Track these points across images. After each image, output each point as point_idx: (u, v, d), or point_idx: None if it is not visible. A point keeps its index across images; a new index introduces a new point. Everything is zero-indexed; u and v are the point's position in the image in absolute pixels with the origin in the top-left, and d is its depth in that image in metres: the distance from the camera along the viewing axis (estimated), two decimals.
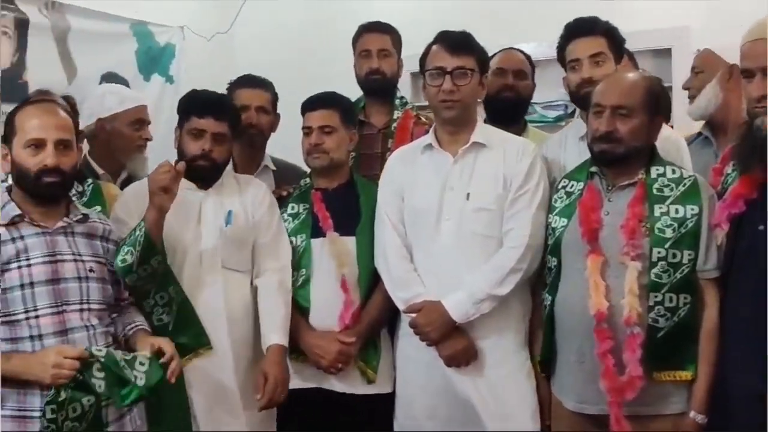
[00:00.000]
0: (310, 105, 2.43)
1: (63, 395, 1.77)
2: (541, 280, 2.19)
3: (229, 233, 2.29)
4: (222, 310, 2.23)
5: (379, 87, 2.79)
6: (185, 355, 2.12)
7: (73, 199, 2.07)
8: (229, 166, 2.43)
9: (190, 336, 2.18)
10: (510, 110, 2.65)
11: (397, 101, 2.84)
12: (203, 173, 2.28)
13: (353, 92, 2.84)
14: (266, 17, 4.42)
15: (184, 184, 2.22)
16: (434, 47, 2.25)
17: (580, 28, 2.31)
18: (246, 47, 4.43)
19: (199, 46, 4.17)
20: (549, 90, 3.50)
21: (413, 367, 2.28)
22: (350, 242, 2.36)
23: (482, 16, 3.83)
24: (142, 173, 2.60)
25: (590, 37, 2.28)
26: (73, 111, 2.50)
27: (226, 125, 2.30)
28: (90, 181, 2.38)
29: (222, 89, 2.81)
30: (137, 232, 2.04)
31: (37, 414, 1.80)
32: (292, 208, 2.43)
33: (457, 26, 2.30)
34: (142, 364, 1.88)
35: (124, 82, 3.73)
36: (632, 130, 1.99)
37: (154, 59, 3.99)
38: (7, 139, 1.92)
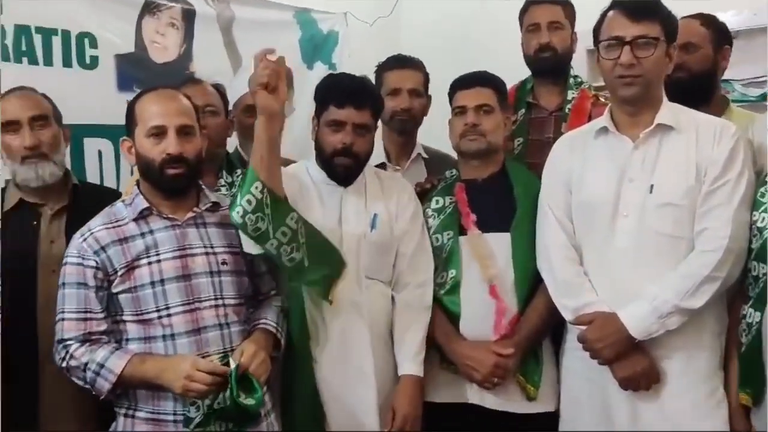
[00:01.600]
0: (463, 83, 2.21)
1: (197, 412, 1.72)
2: (741, 291, 1.83)
3: (374, 239, 2.09)
4: (364, 323, 2.04)
5: (549, 65, 2.53)
6: (329, 287, 1.96)
7: (203, 187, 1.97)
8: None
9: (331, 265, 1.97)
10: (698, 85, 2.20)
11: (571, 80, 2.55)
12: (344, 170, 2.08)
13: (525, 74, 2.62)
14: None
15: (321, 177, 2.08)
16: (611, 13, 1.93)
17: None
18: (410, 31, 4.29)
19: (361, 32, 4.08)
20: (750, 65, 2.99)
21: (581, 387, 2.00)
22: (500, 239, 2.10)
23: None
24: None
25: None
26: (222, 99, 2.48)
27: (369, 114, 2.07)
28: (239, 171, 2.32)
29: None
30: (258, 194, 1.82)
31: (170, 418, 1.76)
32: (437, 202, 2.21)
33: None
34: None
35: (287, 71, 3.72)
36: None
37: (318, 47, 3.94)
38: (130, 130, 1.86)
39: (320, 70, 3.91)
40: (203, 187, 1.97)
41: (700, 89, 2.20)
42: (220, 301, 1.83)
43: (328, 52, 4.01)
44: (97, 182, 2.77)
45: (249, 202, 1.83)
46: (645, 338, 1.84)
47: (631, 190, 1.89)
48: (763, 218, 1.76)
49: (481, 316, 2.08)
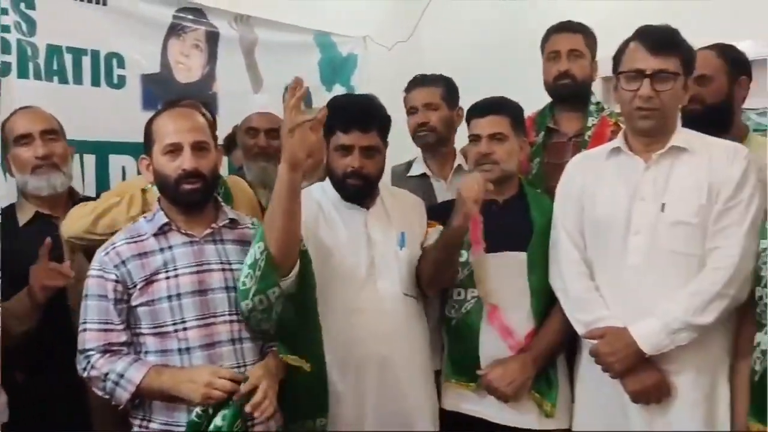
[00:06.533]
0: (477, 111, 2.23)
1: (203, 417, 1.74)
2: (751, 317, 1.82)
3: (405, 257, 2.12)
4: (406, 338, 2.09)
5: (568, 92, 2.56)
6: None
7: (222, 203, 2.02)
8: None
9: (294, 346, 1.91)
10: (712, 116, 2.20)
11: (592, 107, 2.58)
12: (356, 190, 2.10)
13: (545, 99, 2.65)
14: (449, 24, 4.31)
15: (338, 199, 2.12)
16: (632, 44, 1.95)
17: None
18: (430, 55, 4.33)
19: (381, 56, 4.16)
20: (764, 94, 2.97)
21: (597, 402, 2.01)
22: (517, 259, 2.13)
23: (690, 10, 3.41)
24: (264, 182, 2.59)
25: None
26: (211, 128, 2.51)
27: (376, 136, 2.08)
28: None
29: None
30: (258, 254, 1.80)
31: (183, 429, 1.77)
32: None
33: (659, 22, 1.98)
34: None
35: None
36: None
37: (337, 69, 4.01)
38: (148, 148, 1.91)
39: (339, 93, 3.98)
40: (222, 203, 2.01)
41: (716, 119, 2.19)
42: (234, 317, 1.86)
43: (347, 74, 4.08)
44: None
45: (251, 255, 1.82)
46: (655, 353, 1.85)
47: (643, 209, 1.91)
48: None
49: (491, 335, 2.11)
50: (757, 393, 1.77)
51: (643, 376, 1.87)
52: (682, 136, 1.94)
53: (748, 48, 2.56)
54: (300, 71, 3.90)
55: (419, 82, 2.66)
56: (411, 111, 2.64)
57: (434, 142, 2.62)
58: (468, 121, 2.27)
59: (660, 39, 1.91)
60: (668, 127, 1.94)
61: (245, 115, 2.95)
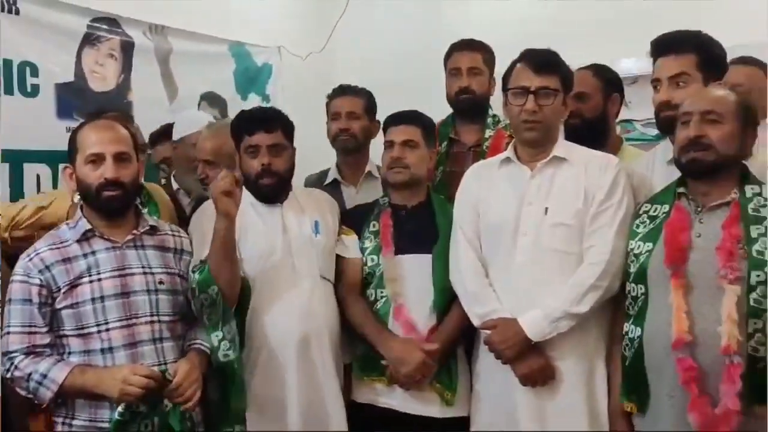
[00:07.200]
0: (393, 120, 2.43)
1: (125, 415, 1.83)
2: (621, 309, 2.06)
3: (321, 242, 2.30)
4: (323, 317, 2.25)
5: (468, 106, 2.76)
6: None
7: (143, 210, 2.12)
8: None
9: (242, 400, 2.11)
10: (590, 130, 2.48)
11: (490, 119, 2.79)
12: (269, 189, 2.27)
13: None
14: (363, 35, 4.46)
15: (259, 205, 2.27)
16: (518, 65, 2.18)
17: (664, 45, 2.18)
18: (343, 66, 4.46)
19: (295, 66, 4.26)
20: (649, 107, 3.29)
21: (491, 388, 2.21)
22: (423, 261, 2.31)
23: (580, 28, 3.72)
24: (190, 190, 2.70)
25: (674, 55, 2.15)
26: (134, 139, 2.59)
27: (280, 134, 2.26)
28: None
29: (318, 106, 2.92)
30: (216, 298, 2.03)
31: (107, 425, 1.86)
32: (373, 225, 2.40)
33: (551, 41, 2.22)
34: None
35: (223, 102, 3.88)
36: (723, 137, 1.87)
37: (252, 79, 4.11)
38: (71, 158, 1.99)
39: (254, 101, 4.08)
40: (143, 211, 2.11)
41: (594, 133, 2.47)
42: (155, 318, 1.96)
43: (262, 84, 4.19)
44: None
45: (206, 299, 2.02)
46: (540, 340, 2.06)
47: (530, 213, 2.12)
48: (639, 245, 1.98)
49: (399, 332, 2.27)
50: (628, 376, 2.00)
51: (531, 361, 2.07)
52: (562, 147, 2.17)
53: (633, 65, 2.84)
54: (215, 81, 4.06)
55: (344, 91, 2.82)
56: (334, 117, 2.79)
57: (352, 148, 2.78)
58: (384, 130, 2.45)
59: (542, 60, 2.14)
60: (551, 138, 2.17)
61: (159, 124, 3.04)
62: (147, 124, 3.05)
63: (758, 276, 1.80)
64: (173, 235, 2.11)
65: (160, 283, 1.99)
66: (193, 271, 2.04)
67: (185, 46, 3.65)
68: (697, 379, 1.81)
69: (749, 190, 1.89)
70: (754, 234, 1.83)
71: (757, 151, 2.00)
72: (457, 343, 2.31)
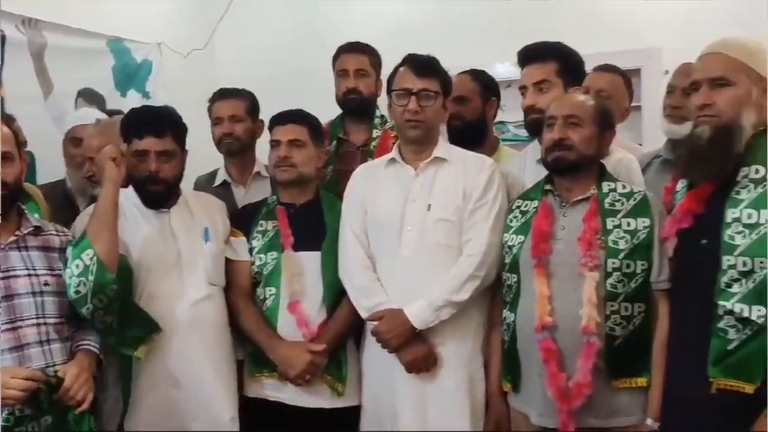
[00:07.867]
0: (279, 120, 2.47)
1: (10, 420, 1.79)
2: (499, 296, 2.24)
3: (209, 250, 2.30)
4: (213, 324, 2.27)
5: (356, 106, 2.85)
6: (138, 344, 2.13)
7: (26, 211, 2.07)
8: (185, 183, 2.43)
9: (140, 326, 2.14)
10: (470, 131, 2.65)
11: (377, 120, 2.89)
12: (155, 196, 2.26)
13: (337, 109, 2.91)
14: (246, 33, 4.48)
15: (146, 209, 2.26)
16: (401, 69, 2.31)
17: (529, 55, 2.39)
18: (226, 63, 4.48)
19: (176, 63, 4.22)
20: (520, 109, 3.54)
21: (377, 376, 2.32)
22: (313, 258, 2.38)
23: (458, 33, 3.93)
24: (83, 191, 2.64)
25: (538, 63, 2.36)
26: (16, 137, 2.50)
27: (171, 140, 2.23)
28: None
29: (200, 104, 2.93)
30: (87, 260, 1.97)
31: None
32: (261, 225, 2.45)
33: (431, 46, 2.37)
34: None
35: (101, 98, 3.77)
36: (583, 139, 2.08)
37: (131, 75, 4.02)
38: None
39: (134, 98, 3.99)
40: (26, 211, 2.05)
41: (474, 134, 2.65)
42: (41, 320, 1.94)
43: (142, 80, 4.10)
44: None
45: (77, 266, 1.97)
46: (423, 327, 2.19)
47: (414, 209, 2.26)
48: (512, 238, 2.16)
49: (289, 327, 2.34)
50: (505, 358, 2.19)
51: (415, 348, 2.20)
52: (443, 148, 2.33)
53: (508, 69, 3.02)
54: (93, 77, 3.93)
55: (224, 94, 2.85)
56: (216, 121, 2.81)
57: (237, 151, 2.81)
58: (270, 129, 2.50)
59: (423, 64, 2.29)
60: (432, 139, 2.32)
61: (34, 121, 2.93)
62: (20, 121, 2.90)
63: (614, 264, 2.02)
64: (58, 235, 2.07)
65: (46, 284, 1.96)
66: (70, 244, 2.02)
67: (61, 41, 3.53)
68: (556, 358, 2.01)
69: (606, 186, 2.11)
70: (609, 226, 2.05)
71: (612, 151, 2.24)
72: (347, 336, 2.40)
